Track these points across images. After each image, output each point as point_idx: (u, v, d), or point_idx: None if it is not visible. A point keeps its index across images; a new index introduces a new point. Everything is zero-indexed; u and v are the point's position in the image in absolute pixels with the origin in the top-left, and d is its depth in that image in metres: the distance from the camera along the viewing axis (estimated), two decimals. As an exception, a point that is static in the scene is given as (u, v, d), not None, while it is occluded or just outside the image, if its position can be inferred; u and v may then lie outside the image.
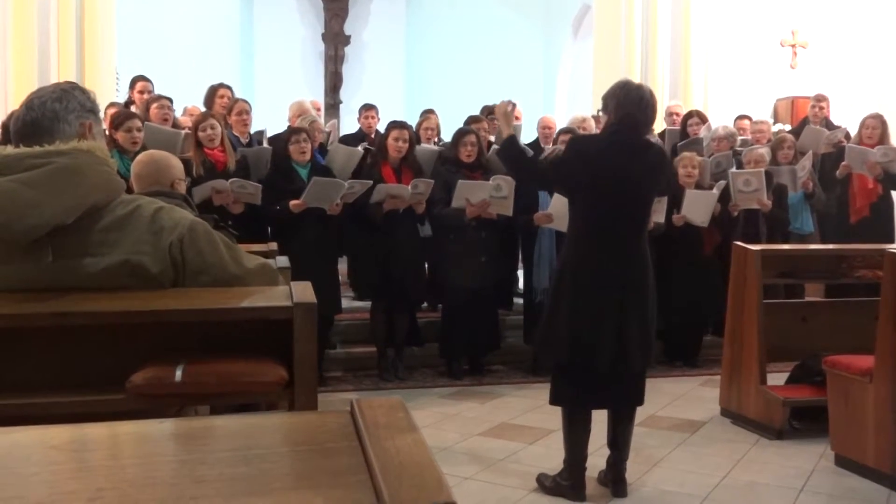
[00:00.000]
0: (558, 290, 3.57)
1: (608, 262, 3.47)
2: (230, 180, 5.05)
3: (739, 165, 6.38)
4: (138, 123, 4.93)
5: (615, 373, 3.48)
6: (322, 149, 6.07)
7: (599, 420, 3.65)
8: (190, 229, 1.82)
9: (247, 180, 5.16)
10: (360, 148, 6.39)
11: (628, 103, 3.49)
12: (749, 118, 7.68)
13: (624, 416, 3.63)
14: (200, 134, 5.18)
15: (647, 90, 3.57)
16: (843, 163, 6.58)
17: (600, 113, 3.83)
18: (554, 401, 3.64)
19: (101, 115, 1.98)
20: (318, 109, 7.73)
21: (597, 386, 3.50)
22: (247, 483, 0.86)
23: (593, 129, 6.24)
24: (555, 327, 3.53)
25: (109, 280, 1.74)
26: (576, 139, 3.88)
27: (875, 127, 6.65)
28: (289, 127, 6.44)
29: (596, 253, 3.49)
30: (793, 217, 6.37)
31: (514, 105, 3.91)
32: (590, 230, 3.53)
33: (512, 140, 3.72)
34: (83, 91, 1.90)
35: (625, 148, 3.50)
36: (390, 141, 5.58)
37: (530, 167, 3.84)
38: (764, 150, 6.30)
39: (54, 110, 1.81)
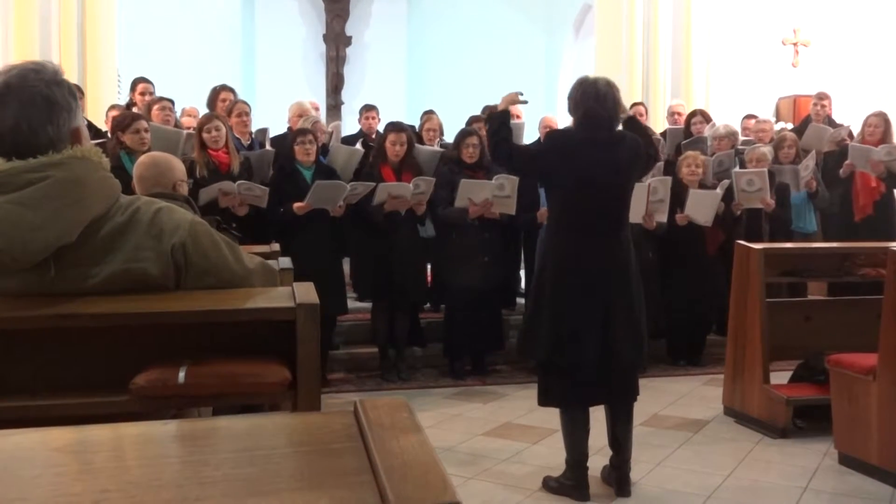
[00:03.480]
0: (539, 287, 3.56)
1: (585, 257, 3.46)
2: (238, 182, 5.05)
3: (742, 164, 6.37)
4: (145, 124, 4.93)
5: (603, 369, 3.47)
6: (324, 149, 6.07)
7: (602, 419, 3.65)
8: (191, 231, 1.79)
9: (254, 184, 5.16)
10: (359, 146, 6.40)
11: (586, 100, 3.49)
12: (756, 117, 7.67)
13: (620, 414, 3.61)
14: (205, 135, 5.17)
15: (603, 82, 3.53)
16: (846, 161, 6.58)
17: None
18: (542, 402, 3.64)
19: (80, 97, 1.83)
20: (317, 109, 7.73)
21: (584, 383, 3.49)
22: (251, 484, 0.85)
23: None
24: (536, 326, 3.52)
25: (111, 287, 1.72)
26: (552, 134, 3.86)
27: (878, 125, 6.65)
28: (289, 128, 6.46)
29: (572, 248, 3.47)
30: (797, 216, 6.37)
31: (521, 95, 3.91)
32: (565, 225, 3.52)
33: (503, 116, 3.72)
34: (59, 85, 1.73)
35: (595, 143, 3.49)
36: (388, 144, 5.58)
37: (509, 153, 3.73)
38: (766, 149, 6.30)
39: (48, 135, 1.69)
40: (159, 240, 1.74)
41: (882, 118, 6.69)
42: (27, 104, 1.68)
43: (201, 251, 1.79)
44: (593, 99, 3.47)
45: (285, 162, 5.49)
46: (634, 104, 7.63)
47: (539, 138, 7.06)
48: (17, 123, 1.68)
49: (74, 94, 1.77)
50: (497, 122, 3.71)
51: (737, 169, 6.23)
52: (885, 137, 6.62)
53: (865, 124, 6.75)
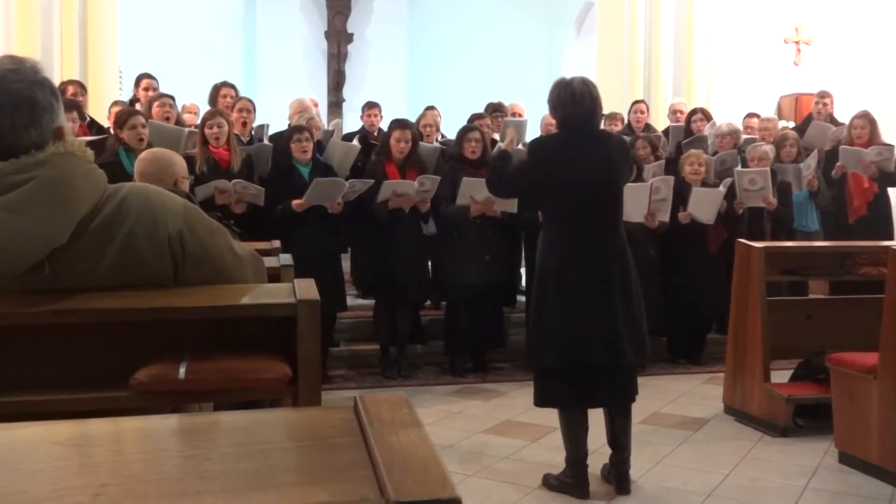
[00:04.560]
0: (541, 295, 3.55)
1: (583, 259, 3.46)
2: (233, 181, 5.05)
3: (744, 163, 6.37)
4: (142, 120, 4.93)
5: (604, 371, 3.47)
6: (320, 146, 6.07)
7: (601, 417, 3.65)
8: (187, 218, 1.76)
9: (250, 182, 5.16)
10: (355, 142, 6.41)
11: (562, 102, 3.51)
12: (758, 116, 7.66)
13: (619, 412, 3.61)
14: (207, 131, 5.17)
15: (578, 81, 3.53)
16: (837, 163, 6.57)
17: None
18: (539, 402, 3.64)
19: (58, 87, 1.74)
20: (316, 106, 7.73)
21: (583, 385, 3.49)
22: (251, 478, 0.86)
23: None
24: (543, 333, 3.51)
25: (109, 279, 1.70)
26: (533, 142, 3.85)
27: (864, 126, 6.64)
28: (290, 125, 6.46)
29: (570, 252, 3.47)
30: (799, 215, 6.37)
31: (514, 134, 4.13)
32: (562, 230, 3.52)
33: (502, 154, 3.84)
34: (41, 86, 1.65)
35: (580, 144, 3.49)
36: (392, 142, 5.57)
37: (499, 181, 3.82)
38: (768, 148, 6.29)
39: (31, 138, 1.63)
40: (154, 227, 1.71)
41: (867, 119, 6.66)
42: (7, 107, 1.61)
43: (198, 240, 1.77)
44: (570, 100, 3.49)
45: (282, 159, 5.49)
46: (636, 102, 7.63)
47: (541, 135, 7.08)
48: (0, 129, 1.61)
49: (56, 93, 1.70)
50: (497, 160, 3.88)
51: (739, 168, 6.23)
52: (872, 138, 6.61)
53: (851, 126, 6.72)
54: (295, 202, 5.19)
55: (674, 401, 5.14)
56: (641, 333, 3.55)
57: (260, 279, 1.93)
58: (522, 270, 6.50)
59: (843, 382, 4.00)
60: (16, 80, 1.62)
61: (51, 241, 1.61)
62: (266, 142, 6.17)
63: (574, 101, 3.48)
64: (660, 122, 8.49)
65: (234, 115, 5.87)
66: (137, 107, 6.09)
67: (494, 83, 10.06)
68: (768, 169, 5.97)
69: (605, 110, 7.36)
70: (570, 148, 3.50)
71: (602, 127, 3.90)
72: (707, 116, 7.29)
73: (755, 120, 7.55)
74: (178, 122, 6.01)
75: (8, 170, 1.59)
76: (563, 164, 3.48)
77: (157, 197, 1.76)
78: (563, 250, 3.50)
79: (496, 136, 6.58)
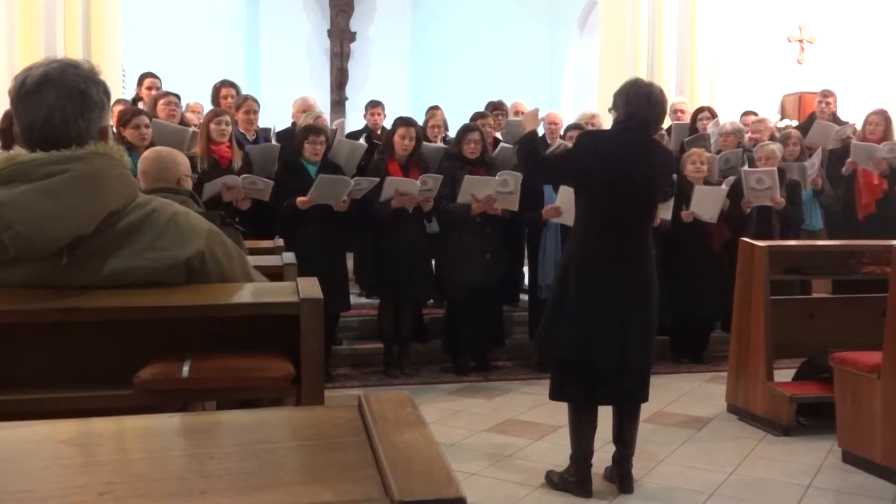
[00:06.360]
0: (561, 286, 3.57)
1: (612, 258, 3.47)
2: (242, 176, 5.06)
3: (749, 161, 6.36)
4: (146, 120, 4.94)
5: (617, 370, 3.48)
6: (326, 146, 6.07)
7: (606, 416, 3.65)
8: (208, 241, 1.80)
9: (258, 177, 5.17)
10: (362, 141, 6.40)
11: (636, 101, 3.48)
12: (755, 114, 7.65)
13: (629, 412, 3.62)
14: (213, 126, 5.17)
15: (657, 88, 3.56)
16: (848, 159, 6.58)
17: (610, 111, 3.74)
18: (554, 396, 3.66)
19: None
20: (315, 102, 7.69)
21: (598, 382, 3.50)
22: (255, 477, 0.86)
23: (601, 125, 6.24)
24: (557, 323, 3.52)
25: (119, 281, 1.73)
26: (585, 134, 3.86)
27: (878, 123, 6.65)
28: (294, 124, 6.45)
29: (601, 249, 3.48)
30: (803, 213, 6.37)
31: (540, 116, 3.95)
32: (595, 226, 3.52)
33: (533, 136, 3.74)
34: (96, 84, 1.75)
35: (633, 145, 3.49)
36: (397, 139, 5.57)
37: (539, 164, 3.74)
38: (776, 147, 6.27)
39: (78, 129, 1.72)
40: (173, 245, 1.75)
41: (882, 116, 6.69)
42: (63, 96, 1.71)
43: (216, 262, 1.82)
44: (644, 102, 3.47)
45: (290, 157, 5.49)
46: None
47: (543, 134, 7.07)
48: (51, 114, 1.70)
49: (109, 94, 1.80)
50: (528, 146, 3.71)
51: (746, 167, 6.21)
52: (885, 135, 6.63)
53: (866, 122, 6.75)
54: (299, 199, 5.18)
55: (676, 400, 5.13)
56: (650, 337, 3.56)
57: None
58: (525, 269, 6.50)
59: (846, 381, 3.99)
60: (73, 74, 1.73)
61: (76, 228, 1.66)
62: (273, 142, 6.16)
63: (648, 103, 3.47)
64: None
65: (241, 115, 5.87)
66: (140, 106, 6.09)
67: (497, 81, 10.06)
68: (775, 168, 5.95)
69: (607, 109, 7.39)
70: (618, 147, 3.50)
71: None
72: (713, 114, 7.28)
73: (752, 117, 7.54)
74: (183, 121, 6.01)
75: (46, 161, 1.67)
76: (609, 160, 3.48)
77: (184, 217, 1.81)
78: (590, 247, 3.51)
79: (498, 136, 6.58)
